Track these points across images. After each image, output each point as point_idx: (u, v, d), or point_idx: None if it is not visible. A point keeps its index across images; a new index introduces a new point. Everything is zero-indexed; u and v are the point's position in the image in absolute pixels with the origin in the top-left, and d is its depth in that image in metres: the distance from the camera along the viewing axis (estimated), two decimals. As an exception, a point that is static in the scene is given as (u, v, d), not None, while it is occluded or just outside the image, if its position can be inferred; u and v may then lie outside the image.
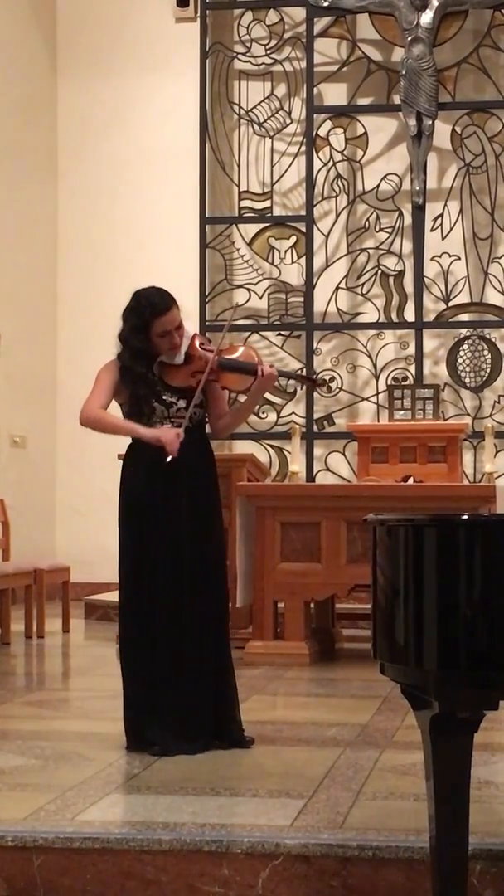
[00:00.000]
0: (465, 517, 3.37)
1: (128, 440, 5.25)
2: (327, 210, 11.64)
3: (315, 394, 11.36)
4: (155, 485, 5.11)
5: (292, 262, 11.65)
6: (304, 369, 11.14)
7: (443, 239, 11.42)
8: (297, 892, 3.78)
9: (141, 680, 5.10)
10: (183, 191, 11.68)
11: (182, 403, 5.14)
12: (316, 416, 11.42)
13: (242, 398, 5.58)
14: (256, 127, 11.81)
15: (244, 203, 11.80)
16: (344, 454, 11.40)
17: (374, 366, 11.46)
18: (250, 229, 11.77)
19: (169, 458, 5.03)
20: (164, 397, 5.15)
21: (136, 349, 5.14)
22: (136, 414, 5.17)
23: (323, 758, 4.98)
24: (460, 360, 11.38)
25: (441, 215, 11.44)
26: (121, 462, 8.34)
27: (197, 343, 5.20)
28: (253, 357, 5.27)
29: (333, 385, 11.39)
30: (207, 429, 5.36)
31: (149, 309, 5.11)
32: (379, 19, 11.48)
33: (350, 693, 6.69)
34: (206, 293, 11.61)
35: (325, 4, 11.47)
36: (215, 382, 5.19)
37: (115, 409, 5.28)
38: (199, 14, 11.77)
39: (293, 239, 11.66)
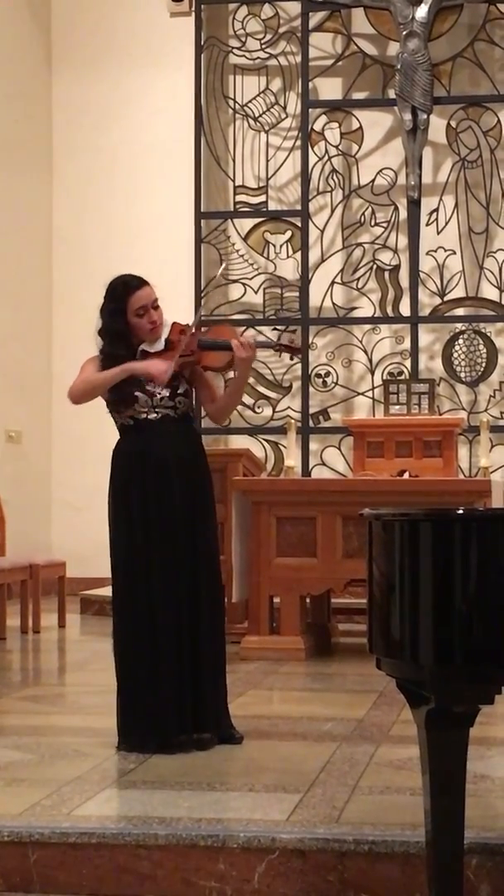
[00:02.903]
0: (461, 512, 3.38)
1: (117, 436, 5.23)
2: (322, 205, 11.63)
3: (311, 388, 11.37)
4: (143, 477, 5.09)
5: (288, 257, 11.65)
6: (303, 369, 11.13)
7: (438, 233, 11.42)
8: (293, 887, 3.79)
9: (134, 677, 5.09)
10: (178, 185, 11.67)
11: (166, 392, 5.12)
12: (311, 410, 11.42)
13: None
14: (251, 121, 11.80)
15: (239, 198, 11.79)
16: (339, 449, 11.40)
17: (370, 360, 11.47)
18: (246, 224, 11.77)
19: (160, 391, 5.03)
20: (148, 387, 5.13)
21: (115, 333, 5.13)
22: (120, 403, 5.15)
23: (319, 752, 4.99)
24: (456, 355, 11.38)
25: (436, 210, 11.44)
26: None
27: (176, 329, 5.19)
28: (230, 333, 5.23)
29: (329, 380, 11.40)
30: (205, 422, 5.35)
31: (121, 287, 5.16)
32: (374, 14, 11.47)
33: (346, 688, 6.70)
34: (202, 288, 11.61)
35: (321, -1, 11.47)
36: (196, 364, 5.16)
37: (99, 405, 5.26)
38: (193, 8, 11.76)
39: (288, 233, 11.66)
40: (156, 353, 5.15)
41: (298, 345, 5.39)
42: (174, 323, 5.23)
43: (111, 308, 5.15)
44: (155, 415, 5.11)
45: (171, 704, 5.02)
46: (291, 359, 11.03)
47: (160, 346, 5.17)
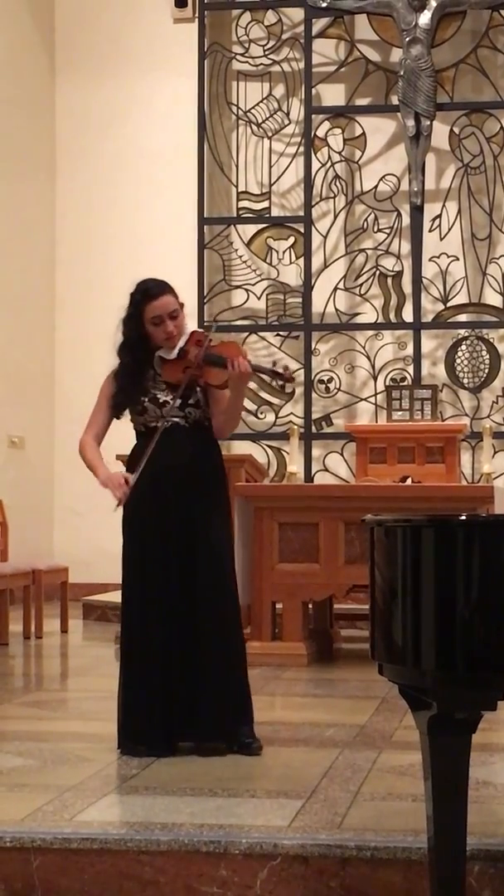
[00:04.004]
0: (463, 518, 3.37)
1: (131, 441, 5.23)
2: (325, 211, 11.65)
3: (313, 394, 11.37)
4: (155, 485, 5.08)
5: (290, 263, 11.66)
6: (306, 374, 11.12)
7: (441, 239, 11.43)
8: (295, 893, 3.78)
9: (137, 683, 5.08)
10: (181, 191, 11.68)
11: (177, 403, 5.10)
12: (314, 416, 11.42)
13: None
14: (255, 127, 11.82)
15: (242, 204, 11.80)
16: (342, 455, 11.41)
17: (373, 366, 11.47)
18: (248, 230, 11.78)
19: (116, 506, 5.08)
20: (158, 396, 5.12)
21: (131, 339, 5.14)
22: (133, 411, 5.17)
23: (321, 758, 4.98)
24: (458, 361, 11.38)
25: (439, 216, 11.45)
26: (119, 463, 8.34)
27: (193, 339, 5.18)
28: (233, 352, 5.18)
29: (332, 386, 11.41)
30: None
31: (139, 294, 5.13)
32: (377, 20, 11.49)
33: (348, 693, 6.69)
34: (205, 294, 11.62)
35: (324, 5, 11.47)
36: (199, 379, 5.16)
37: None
38: (197, 14, 11.78)
39: (291, 239, 11.67)
40: (170, 360, 5.15)
41: (291, 375, 5.36)
42: (193, 331, 5.21)
43: (130, 313, 5.15)
44: (165, 423, 5.11)
45: (168, 709, 5.01)
46: (283, 387, 11.05)
47: (174, 354, 5.15)
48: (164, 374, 5.14)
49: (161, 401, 5.12)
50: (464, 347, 11.38)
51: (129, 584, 5.19)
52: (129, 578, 5.20)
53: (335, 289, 11.55)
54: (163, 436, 5.05)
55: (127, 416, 5.25)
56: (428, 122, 11.19)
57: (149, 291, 5.11)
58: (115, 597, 9.56)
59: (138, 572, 5.13)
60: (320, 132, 11.62)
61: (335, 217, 11.63)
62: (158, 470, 5.04)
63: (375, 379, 11.45)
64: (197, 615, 5.06)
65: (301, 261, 11.54)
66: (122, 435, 5.32)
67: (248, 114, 11.82)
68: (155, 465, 5.04)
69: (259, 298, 11.67)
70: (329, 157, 11.63)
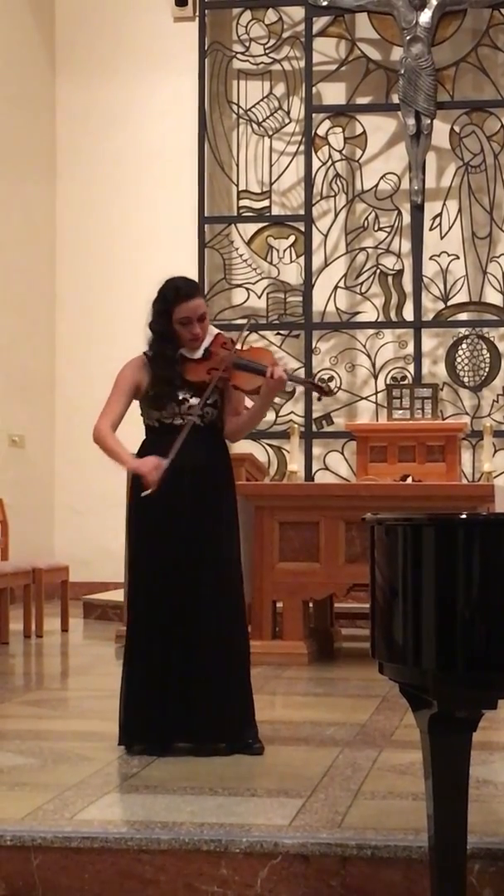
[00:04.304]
0: (464, 516, 3.37)
1: (140, 438, 5.21)
2: (326, 209, 11.64)
3: (314, 393, 11.35)
4: (166, 489, 5.05)
5: (291, 262, 11.65)
6: (306, 373, 11.10)
7: (441, 238, 11.42)
8: (295, 892, 3.78)
9: (138, 682, 5.08)
10: (181, 190, 11.68)
11: (195, 401, 5.10)
12: (315, 415, 11.42)
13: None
14: (255, 126, 11.81)
15: (243, 202, 11.80)
16: (343, 453, 11.40)
17: (373, 365, 11.47)
18: (249, 229, 11.78)
19: (146, 492, 5.00)
20: (179, 394, 5.11)
21: (160, 334, 5.14)
22: (152, 405, 5.14)
23: (321, 757, 4.98)
24: (459, 360, 11.38)
25: (440, 214, 11.45)
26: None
27: (219, 342, 5.19)
28: (267, 360, 5.23)
29: (333, 385, 11.41)
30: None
31: (172, 292, 5.13)
32: (378, 19, 11.48)
33: (349, 692, 6.69)
34: (205, 293, 11.61)
35: (324, 4, 11.47)
36: (228, 381, 5.17)
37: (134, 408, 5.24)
38: (197, 13, 11.77)
39: (292, 238, 11.66)
40: (194, 360, 5.15)
41: (331, 389, 5.42)
42: (218, 334, 5.23)
43: (159, 309, 5.15)
44: (181, 421, 5.09)
45: (166, 709, 5.01)
46: (319, 399, 11.06)
47: (199, 354, 5.16)
48: (188, 373, 5.13)
49: (180, 398, 5.11)
50: (464, 346, 11.38)
51: (135, 584, 5.18)
52: (135, 578, 5.19)
53: (336, 287, 11.54)
54: (178, 430, 5.03)
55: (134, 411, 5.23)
56: (428, 121, 11.19)
57: (180, 291, 5.12)
58: (116, 596, 9.59)
59: (144, 571, 5.12)
60: (321, 131, 11.61)
61: (336, 216, 11.62)
62: (174, 469, 5.01)
63: (376, 378, 11.44)
64: (201, 617, 5.05)
65: (301, 259, 11.53)
66: (120, 431, 5.29)
67: (249, 112, 11.81)
68: (171, 464, 5.02)
69: (259, 297, 11.67)
70: (329, 156, 11.62)
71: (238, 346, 5.22)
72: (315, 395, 6.16)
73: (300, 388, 11.38)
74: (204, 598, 5.06)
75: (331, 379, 11.39)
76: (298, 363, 11.29)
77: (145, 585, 5.12)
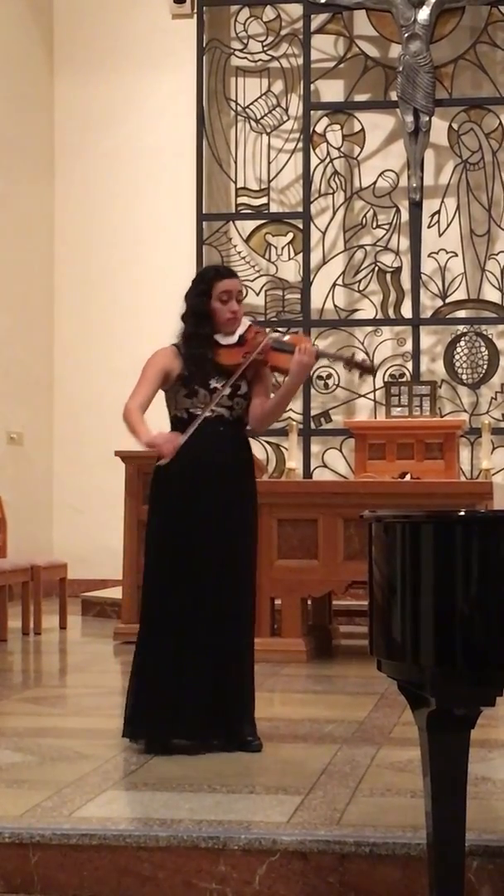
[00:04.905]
0: (462, 514, 3.37)
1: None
2: (324, 207, 11.64)
3: (312, 390, 11.35)
4: (187, 479, 5.04)
5: (289, 259, 11.65)
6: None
7: (440, 235, 11.42)
8: (294, 889, 3.79)
9: (150, 670, 5.07)
10: (180, 187, 11.67)
11: (227, 391, 5.09)
12: (313, 412, 11.42)
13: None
14: (253, 123, 11.81)
15: (241, 200, 11.80)
16: (341, 451, 11.40)
17: (372, 362, 11.46)
18: (247, 226, 11.77)
19: (162, 461, 5.00)
20: (210, 382, 5.10)
21: (199, 314, 5.14)
22: (181, 393, 5.11)
23: (320, 754, 4.98)
24: (457, 357, 11.38)
25: (438, 212, 11.44)
26: (118, 459, 8.33)
27: (253, 330, 5.24)
28: (299, 340, 5.34)
29: (331, 382, 11.41)
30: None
31: (212, 271, 5.29)
32: (376, 16, 11.48)
33: (347, 690, 6.70)
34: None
35: (323, 1, 11.47)
36: (265, 365, 5.19)
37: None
38: (195, 10, 11.76)
39: (290, 235, 11.66)
40: (227, 345, 5.16)
41: (371, 365, 5.49)
42: (251, 324, 5.28)
43: (198, 290, 5.18)
44: (210, 413, 5.09)
45: (172, 707, 5.02)
46: (360, 377, 11.00)
47: (233, 339, 5.17)
48: (222, 357, 5.14)
49: (212, 387, 5.11)
50: (462, 343, 11.38)
51: (149, 585, 5.14)
52: (154, 562, 5.13)
53: (334, 285, 11.54)
54: (207, 424, 5.04)
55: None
56: (427, 119, 11.18)
57: (220, 270, 5.33)
58: (114, 593, 9.59)
59: (161, 569, 5.09)
60: (319, 128, 11.61)
61: (334, 213, 11.62)
62: (198, 462, 5.02)
63: (374, 375, 11.44)
64: (212, 618, 5.04)
65: (300, 257, 11.53)
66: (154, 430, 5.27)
67: (247, 110, 11.81)
68: (195, 455, 5.01)
69: (258, 294, 11.66)
70: (328, 153, 11.62)
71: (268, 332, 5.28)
72: (357, 373, 6.25)
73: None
74: (213, 597, 5.05)
75: (329, 376, 11.39)
76: (364, 377, 11.19)
77: (163, 565, 5.09)
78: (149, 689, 5.05)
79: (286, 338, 5.41)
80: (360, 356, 5.26)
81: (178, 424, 5.13)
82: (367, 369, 5.54)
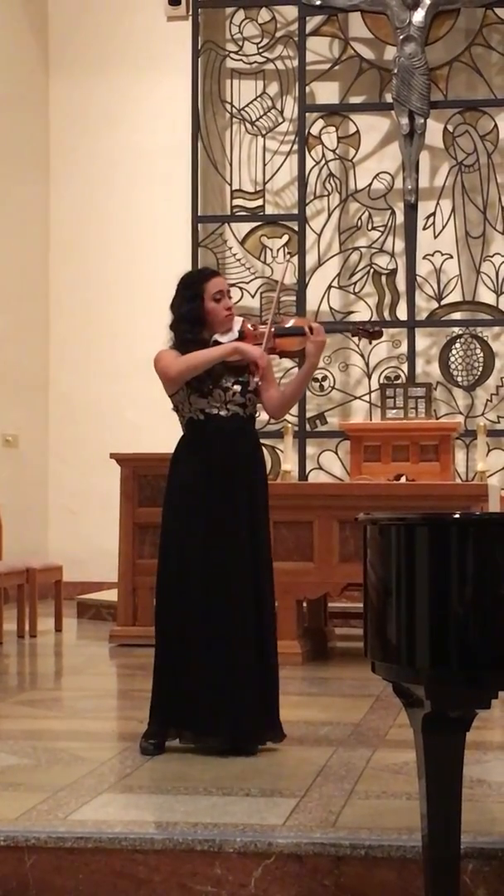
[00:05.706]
0: (457, 516, 3.37)
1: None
2: (319, 209, 11.64)
3: (308, 392, 11.35)
4: (209, 472, 5.06)
5: (285, 261, 11.64)
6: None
7: (435, 237, 11.42)
8: (289, 892, 3.78)
9: (172, 667, 5.06)
10: (175, 189, 11.67)
11: (237, 388, 5.12)
12: (308, 414, 11.42)
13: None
14: (249, 125, 11.81)
15: (236, 202, 11.80)
16: (336, 453, 11.40)
17: (367, 364, 11.47)
18: (243, 228, 11.77)
19: (256, 379, 5.05)
20: (222, 382, 5.12)
21: (194, 318, 5.13)
22: (197, 394, 5.10)
23: (315, 757, 4.98)
24: (452, 359, 11.38)
25: (433, 214, 11.45)
26: (113, 462, 8.32)
27: (247, 324, 5.27)
28: (305, 321, 5.37)
29: (326, 384, 11.41)
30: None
31: (197, 274, 5.36)
32: (371, 18, 11.48)
33: (342, 692, 6.69)
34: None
35: (318, 3, 11.46)
36: (273, 352, 5.20)
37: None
38: (190, 12, 11.76)
39: (285, 237, 11.66)
40: (230, 342, 5.17)
41: (378, 329, 5.51)
42: (244, 320, 5.32)
43: (189, 294, 5.16)
44: (226, 412, 5.10)
45: (201, 701, 5.00)
46: (370, 342, 10.95)
47: (234, 336, 5.18)
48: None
49: (224, 385, 5.11)
50: (458, 345, 11.38)
51: (177, 567, 5.11)
52: (176, 563, 5.11)
53: (329, 287, 11.54)
54: (224, 422, 5.07)
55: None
56: (422, 120, 11.18)
57: (205, 271, 5.41)
58: (110, 595, 9.58)
59: (187, 557, 5.07)
60: (314, 130, 11.60)
61: (329, 215, 11.62)
62: (219, 460, 5.05)
63: (370, 377, 11.45)
64: (237, 624, 5.03)
65: (295, 259, 11.53)
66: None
67: (242, 112, 11.81)
68: (214, 453, 5.03)
69: (253, 296, 11.66)
70: (323, 155, 11.62)
71: (270, 318, 5.28)
72: (363, 339, 6.37)
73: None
74: (244, 593, 5.04)
75: (324, 378, 11.39)
76: (291, 363, 11.27)
77: (185, 565, 5.06)
78: (171, 680, 5.03)
79: (290, 323, 5.41)
80: (365, 323, 5.34)
81: (193, 427, 5.14)
82: (375, 334, 5.57)
